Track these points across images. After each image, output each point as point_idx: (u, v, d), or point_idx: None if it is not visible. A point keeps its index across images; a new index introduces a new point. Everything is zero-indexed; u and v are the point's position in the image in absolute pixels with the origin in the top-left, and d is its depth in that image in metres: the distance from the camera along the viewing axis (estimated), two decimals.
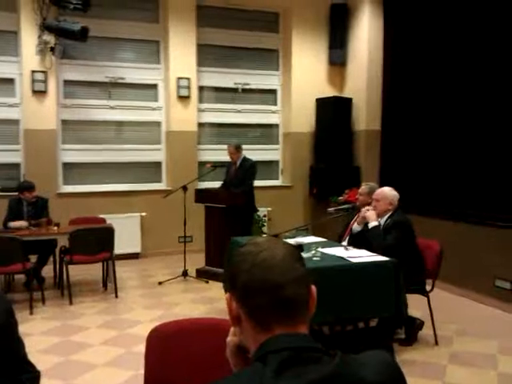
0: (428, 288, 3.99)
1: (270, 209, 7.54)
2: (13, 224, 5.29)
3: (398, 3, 6.86)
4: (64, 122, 6.95)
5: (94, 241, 5.17)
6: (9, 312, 1.80)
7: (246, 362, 1.03)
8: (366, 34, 7.18)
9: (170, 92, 7.21)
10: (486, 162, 5.33)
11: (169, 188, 6.96)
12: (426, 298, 3.96)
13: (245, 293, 0.94)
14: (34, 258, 5.27)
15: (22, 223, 5.31)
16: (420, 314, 4.13)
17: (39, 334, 4.24)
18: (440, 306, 4.50)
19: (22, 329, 1.81)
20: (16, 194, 5.61)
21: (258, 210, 6.51)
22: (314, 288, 0.98)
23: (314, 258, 3.54)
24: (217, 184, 6.61)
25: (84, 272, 5.97)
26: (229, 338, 1.08)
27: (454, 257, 4.99)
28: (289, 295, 0.93)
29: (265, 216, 7.38)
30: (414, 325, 3.97)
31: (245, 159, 6.20)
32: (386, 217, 4.08)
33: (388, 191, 4.14)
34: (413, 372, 3.38)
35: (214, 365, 1.86)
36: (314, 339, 0.93)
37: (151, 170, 7.48)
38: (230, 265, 0.99)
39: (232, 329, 1.06)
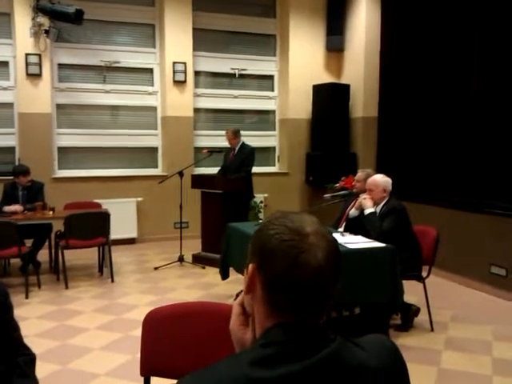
0: (424, 274, 4.00)
1: (266, 195, 7.53)
2: (7, 208, 5.24)
3: None
4: (59, 106, 6.88)
5: (90, 226, 5.14)
6: (3, 295, 1.78)
7: (247, 325, 1.01)
8: (364, 20, 7.12)
9: (165, 76, 7.13)
10: (484, 149, 5.32)
11: (165, 173, 6.92)
12: (422, 285, 3.97)
13: (273, 283, 0.90)
14: (29, 243, 5.23)
15: (17, 207, 5.26)
16: (416, 300, 4.14)
17: (35, 318, 4.22)
18: (436, 293, 4.52)
19: (18, 313, 1.79)
20: (11, 178, 5.56)
21: (254, 197, 6.49)
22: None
23: None
24: (213, 170, 6.58)
25: (80, 257, 5.94)
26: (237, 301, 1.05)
27: (450, 243, 5.01)
28: (316, 302, 0.91)
29: (261, 202, 7.36)
30: (410, 311, 3.98)
31: (243, 145, 6.16)
32: (381, 204, 4.07)
33: (379, 178, 4.12)
34: (409, 357, 3.34)
35: (210, 348, 1.86)
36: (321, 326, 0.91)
37: (147, 155, 7.43)
38: (267, 241, 0.91)
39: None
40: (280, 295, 0.90)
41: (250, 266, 0.94)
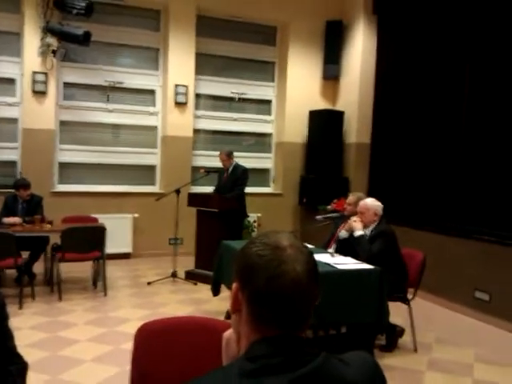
0: (410, 296, 4.01)
1: (259, 215, 7.55)
2: (7, 220, 5.24)
3: (392, 22, 6.95)
4: (62, 123, 6.94)
5: (86, 239, 5.13)
6: (0, 305, 1.78)
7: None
8: (360, 50, 7.26)
9: (167, 98, 7.22)
10: (472, 177, 5.40)
11: (162, 191, 6.94)
12: (407, 306, 3.98)
13: (256, 297, 0.93)
14: (25, 255, 5.21)
15: (16, 219, 5.27)
16: (401, 322, 4.14)
17: (28, 328, 4.19)
18: (420, 315, 4.52)
19: (11, 323, 1.80)
20: (12, 191, 5.57)
21: (248, 216, 6.51)
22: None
23: None
24: (210, 189, 6.61)
25: (75, 270, 5.91)
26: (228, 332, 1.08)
27: (436, 267, 5.02)
28: (298, 313, 0.93)
29: (255, 222, 7.38)
30: (395, 332, 3.98)
31: (237, 166, 6.21)
32: (371, 227, 4.10)
33: (370, 202, 4.16)
34: (392, 378, 3.38)
35: (199, 362, 1.86)
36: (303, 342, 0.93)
37: (145, 172, 7.47)
38: (248, 259, 0.95)
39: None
40: (263, 309, 0.92)
41: (234, 285, 0.97)
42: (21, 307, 4.69)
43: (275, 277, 0.91)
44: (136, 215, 7.07)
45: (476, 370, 3.67)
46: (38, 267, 5.57)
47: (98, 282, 5.55)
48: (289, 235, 0.98)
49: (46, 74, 6.55)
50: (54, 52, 6.45)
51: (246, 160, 7.09)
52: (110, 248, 5.89)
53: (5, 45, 6.58)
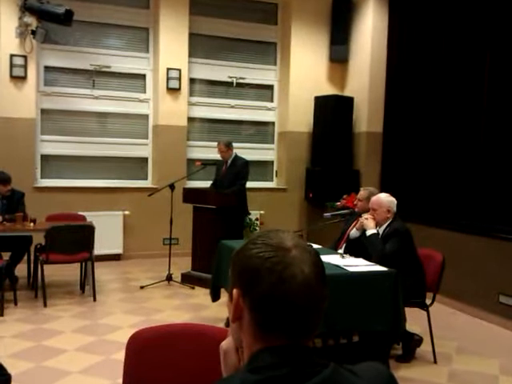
0: (428, 302, 4.02)
1: (262, 212, 7.55)
2: None
3: None
4: (44, 111, 6.93)
5: (73, 239, 5.13)
6: None
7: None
8: (370, 29, 7.24)
9: (158, 83, 7.21)
10: (496, 170, 5.36)
11: (155, 186, 6.95)
12: (425, 313, 3.98)
13: (260, 304, 0.93)
14: (6, 256, 5.22)
15: None
16: (419, 330, 4.16)
17: (10, 337, 4.21)
18: (440, 322, 4.54)
19: None
20: None
21: (249, 213, 6.52)
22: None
23: None
24: (207, 183, 6.62)
25: (60, 273, 5.93)
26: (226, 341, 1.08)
27: (456, 269, 5.04)
28: (307, 320, 0.93)
29: (257, 219, 7.39)
30: (412, 341, 3.99)
31: (236, 157, 6.21)
32: (385, 225, 4.11)
33: (384, 198, 4.17)
34: None
35: (197, 373, 1.87)
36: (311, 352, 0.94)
37: (136, 166, 7.48)
38: (249, 262, 0.94)
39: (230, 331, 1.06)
40: (269, 316, 0.92)
41: (234, 291, 0.96)
42: (2, 314, 4.70)
43: (281, 281, 0.90)
44: (126, 212, 7.07)
45: (501, 383, 3.68)
46: (21, 270, 5.58)
47: (86, 286, 5.56)
48: (292, 234, 0.98)
49: (24, 57, 6.53)
50: (33, 33, 6.43)
51: (246, 151, 7.09)
52: (99, 249, 5.90)
53: None
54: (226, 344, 1.08)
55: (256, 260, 0.93)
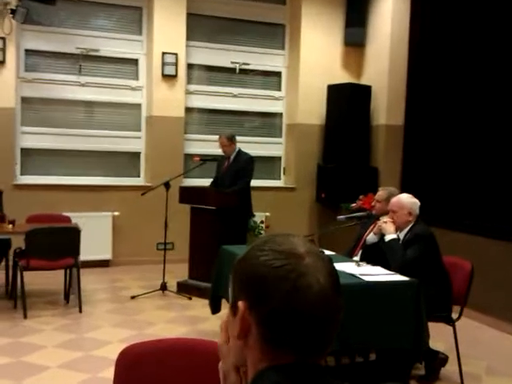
0: (454, 316, 4.00)
1: (268, 214, 7.56)
2: None
3: None
4: (24, 100, 6.96)
5: (56, 243, 5.15)
6: None
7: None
8: (390, 10, 7.23)
9: (152, 69, 7.22)
10: None
11: (148, 184, 6.96)
12: (451, 328, 3.96)
13: (271, 318, 0.92)
14: None
15: None
16: (444, 347, 4.15)
17: None
18: (468, 339, 4.51)
19: None
20: None
21: (254, 215, 6.51)
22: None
23: None
24: (206, 182, 6.61)
25: (42, 280, 5.93)
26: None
27: (486, 280, 5.01)
28: (322, 334, 0.93)
29: (262, 222, 7.39)
30: (436, 359, 3.98)
31: (240, 153, 6.21)
32: (406, 230, 4.09)
33: (405, 199, 4.16)
34: None
35: None
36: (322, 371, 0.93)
37: (128, 161, 7.51)
38: (257, 271, 0.93)
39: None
40: (280, 330, 0.91)
41: (240, 304, 0.95)
42: None
43: (296, 292, 0.90)
44: (116, 214, 7.09)
45: None
46: None
47: (70, 296, 5.57)
48: (303, 239, 0.98)
49: (3, 39, 6.55)
50: (12, 12, 6.43)
51: (251, 146, 7.08)
52: (86, 254, 5.89)
53: None
54: (226, 364, 1.07)
55: (265, 269, 0.93)
